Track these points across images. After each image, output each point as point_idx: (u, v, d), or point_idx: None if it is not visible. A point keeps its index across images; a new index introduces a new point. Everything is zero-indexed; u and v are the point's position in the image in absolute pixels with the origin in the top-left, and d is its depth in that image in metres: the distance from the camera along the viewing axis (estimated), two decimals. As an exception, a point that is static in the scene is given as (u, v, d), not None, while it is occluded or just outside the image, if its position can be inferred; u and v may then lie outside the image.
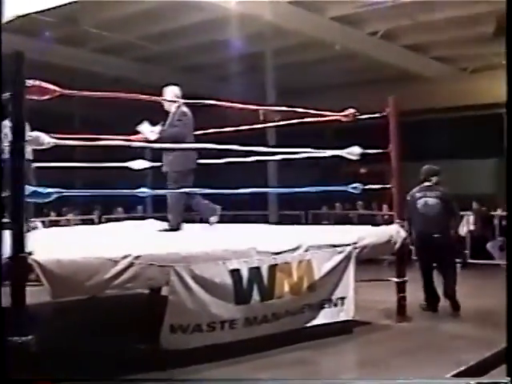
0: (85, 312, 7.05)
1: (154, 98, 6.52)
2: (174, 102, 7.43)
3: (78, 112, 21.56)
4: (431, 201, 7.89)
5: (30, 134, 4.95)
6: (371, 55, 17.11)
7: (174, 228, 7.32)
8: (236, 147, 6.46)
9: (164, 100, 7.42)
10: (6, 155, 4.73)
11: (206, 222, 7.58)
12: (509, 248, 4.34)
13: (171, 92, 7.53)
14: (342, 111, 7.61)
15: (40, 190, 4.87)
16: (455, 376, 4.80)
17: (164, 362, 5.18)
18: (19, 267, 4.49)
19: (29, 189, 4.67)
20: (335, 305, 6.46)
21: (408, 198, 8.01)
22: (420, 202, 7.95)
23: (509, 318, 4.13)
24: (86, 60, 17.36)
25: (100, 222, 14.31)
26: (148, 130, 7.40)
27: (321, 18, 15.14)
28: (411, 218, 7.95)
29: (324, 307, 6.40)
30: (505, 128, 4.34)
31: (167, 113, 7.58)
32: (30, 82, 4.74)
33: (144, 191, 6.59)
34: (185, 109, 7.48)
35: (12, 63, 4.59)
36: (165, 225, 7.52)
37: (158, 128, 7.40)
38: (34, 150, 5.88)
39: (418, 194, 8.01)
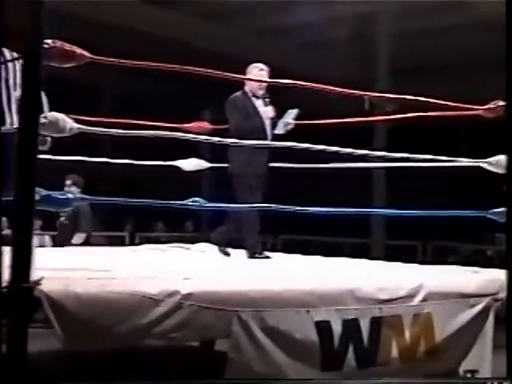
0: (107, 367, 6.45)
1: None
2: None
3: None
4: None
5: (46, 116, 4.42)
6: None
7: (255, 253, 7.27)
8: (334, 148, 5.96)
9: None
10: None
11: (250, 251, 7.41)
12: (508, 248, 4.44)
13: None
14: (485, 103, 6.95)
15: (57, 194, 4.51)
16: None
17: None
18: (21, 302, 4.08)
19: (40, 192, 4.29)
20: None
21: None
22: None
23: (509, 317, 4.45)
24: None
25: (132, 243, 13.86)
26: (284, 121, 7.34)
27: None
28: None
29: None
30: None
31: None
32: (48, 42, 4.39)
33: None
34: None
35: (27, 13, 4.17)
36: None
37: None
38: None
39: None
